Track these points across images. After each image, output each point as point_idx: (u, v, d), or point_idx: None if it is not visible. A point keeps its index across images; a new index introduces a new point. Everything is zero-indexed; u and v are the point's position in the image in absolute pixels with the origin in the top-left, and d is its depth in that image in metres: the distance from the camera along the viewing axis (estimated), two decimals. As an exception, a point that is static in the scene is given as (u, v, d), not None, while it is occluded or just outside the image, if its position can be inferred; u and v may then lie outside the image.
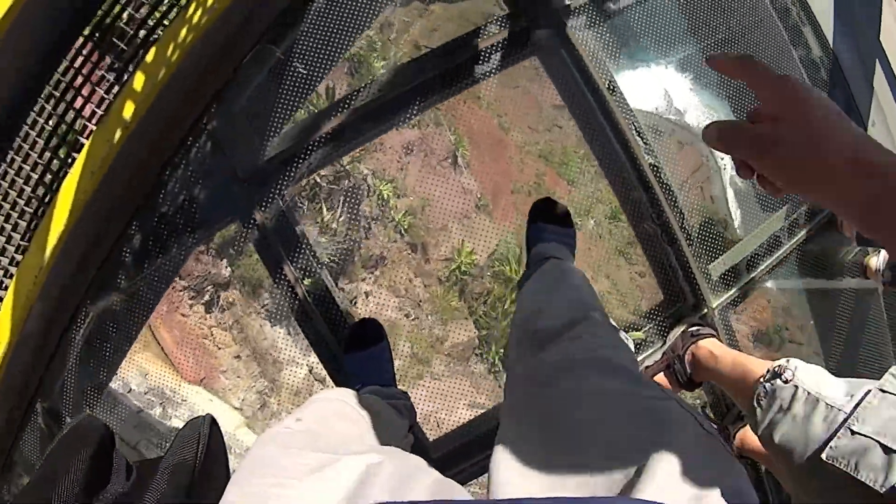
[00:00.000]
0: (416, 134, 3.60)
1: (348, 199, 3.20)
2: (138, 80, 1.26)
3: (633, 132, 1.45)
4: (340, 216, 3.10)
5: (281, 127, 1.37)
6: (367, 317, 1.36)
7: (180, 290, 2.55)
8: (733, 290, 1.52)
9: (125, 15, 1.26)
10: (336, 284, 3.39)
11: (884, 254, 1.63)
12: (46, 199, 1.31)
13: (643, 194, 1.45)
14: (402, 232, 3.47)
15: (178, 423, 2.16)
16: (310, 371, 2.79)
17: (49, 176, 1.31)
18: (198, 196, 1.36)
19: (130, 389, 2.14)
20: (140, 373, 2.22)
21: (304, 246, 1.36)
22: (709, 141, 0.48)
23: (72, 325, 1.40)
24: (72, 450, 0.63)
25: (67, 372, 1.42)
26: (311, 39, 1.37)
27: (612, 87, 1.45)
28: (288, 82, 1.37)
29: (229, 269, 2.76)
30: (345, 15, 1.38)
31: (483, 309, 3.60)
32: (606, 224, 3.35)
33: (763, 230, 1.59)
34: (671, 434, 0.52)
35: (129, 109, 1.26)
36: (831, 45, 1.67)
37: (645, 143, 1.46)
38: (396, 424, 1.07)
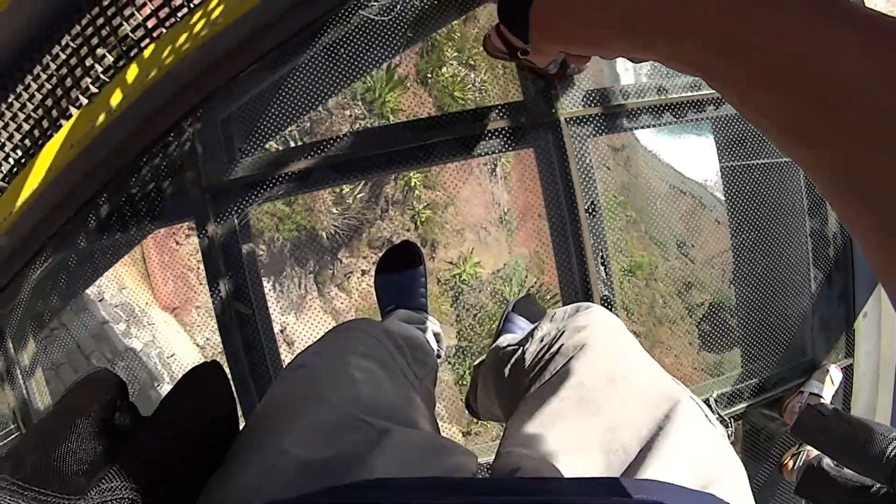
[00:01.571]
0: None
1: (373, 180, 3.21)
2: (131, 73, 1.30)
3: (598, 260, 1.41)
4: (360, 193, 3.12)
5: (257, 150, 1.40)
6: (407, 239, 1.33)
7: (181, 219, 2.64)
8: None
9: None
10: (335, 255, 3.44)
11: (802, 457, 1.56)
12: (31, 153, 1.39)
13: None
14: (418, 223, 3.46)
15: (138, 346, 2.33)
16: (281, 331, 2.92)
17: (37, 132, 1.39)
18: (165, 189, 1.42)
19: (103, 298, 2.29)
20: (118, 284, 2.37)
21: (244, 270, 1.41)
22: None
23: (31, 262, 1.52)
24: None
25: (19, 301, 1.55)
26: (307, 75, 1.37)
27: (591, 210, 1.40)
28: (275, 110, 1.38)
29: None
30: (345, 61, 1.37)
31: (470, 321, 3.60)
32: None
33: (699, 389, 1.54)
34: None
35: (116, 98, 1.30)
36: (853, 226, 1.54)
37: (606, 275, 1.42)
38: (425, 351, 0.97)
